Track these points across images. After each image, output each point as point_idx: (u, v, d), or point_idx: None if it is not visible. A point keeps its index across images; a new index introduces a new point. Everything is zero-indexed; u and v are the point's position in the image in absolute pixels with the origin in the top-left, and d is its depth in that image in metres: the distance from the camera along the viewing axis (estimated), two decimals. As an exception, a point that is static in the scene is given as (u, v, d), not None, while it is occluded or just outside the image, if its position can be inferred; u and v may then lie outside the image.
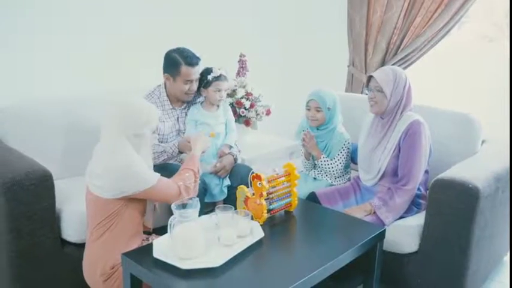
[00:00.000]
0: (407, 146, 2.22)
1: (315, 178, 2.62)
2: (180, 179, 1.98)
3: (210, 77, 2.52)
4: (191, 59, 2.46)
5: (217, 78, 2.52)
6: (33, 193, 2.00)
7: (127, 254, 1.74)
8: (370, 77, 2.30)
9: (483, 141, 2.60)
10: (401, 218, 2.26)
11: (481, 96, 3.32)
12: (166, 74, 2.51)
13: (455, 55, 3.38)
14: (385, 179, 2.32)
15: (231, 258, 1.70)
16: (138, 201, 1.89)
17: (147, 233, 2.04)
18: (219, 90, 2.52)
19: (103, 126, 1.87)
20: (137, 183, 1.81)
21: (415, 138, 2.21)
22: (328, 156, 2.52)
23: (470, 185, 2.00)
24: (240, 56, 3.11)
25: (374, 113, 2.35)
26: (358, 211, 2.24)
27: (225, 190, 2.53)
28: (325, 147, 2.54)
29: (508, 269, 2.61)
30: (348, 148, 2.53)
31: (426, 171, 2.32)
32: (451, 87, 3.44)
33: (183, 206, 1.72)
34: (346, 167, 2.59)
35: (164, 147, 2.47)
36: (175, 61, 2.45)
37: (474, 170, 2.17)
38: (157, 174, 1.89)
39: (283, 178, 2.10)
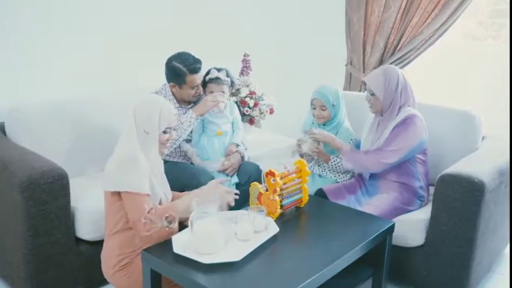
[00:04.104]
0: (397, 130, 2.33)
1: (320, 175, 2.67)
2: (160, 211, 1.85)
3: (206, 78, 2.56)
4: (194, 66, 2.47)
5: (212, 80, 2.54)
6: (49, 192, 2.03)
7: (147, 250, 1.78)
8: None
9: (483, 138, 2.68)
10: (407, 212, 2.34)
11: (471, 94, 3.41)
12: (171, 83, 2.52)
13: (442, 54, 3.45)
14: (384, 172, 2.39)
15: (249, 253, 1.73)
16: None
17: None
18: (212, 93, 2.54)
19: (124, 123, 1.90)
20: (130, 181, 1.79)
21: (406, 125, 2.31)
22: (333, 151, 2.57)
23: (476, 180, 2.07)
24: (244, 56, 3.15)
25: (373, 112, 2.48)
26: (328, 138, 2.45)
27: (233, 187, 2.56)
28: None
29: (508, 261, 2.70)
30: (354, 144, 2.60)
31: (424, 162, 2.40)
32: (441, 86, 3.52)
33: (203, 202, 1.76)
34: None
35: (180, 119, 2.47)
36: (179, 71, 2.46)
37: (478, 165, 2.24)
38: (149, 190, 1.85)
39: (294, 175, 2.15)
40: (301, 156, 2.62)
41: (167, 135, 1.97)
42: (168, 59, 2.50)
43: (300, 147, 2.56)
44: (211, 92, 2.55)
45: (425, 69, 3.51)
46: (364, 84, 2.44)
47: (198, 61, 2.50)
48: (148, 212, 1.81)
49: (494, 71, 3.35)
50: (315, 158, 2.63)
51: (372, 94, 2.38)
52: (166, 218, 1.81)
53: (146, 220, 1.79)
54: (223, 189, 2.04)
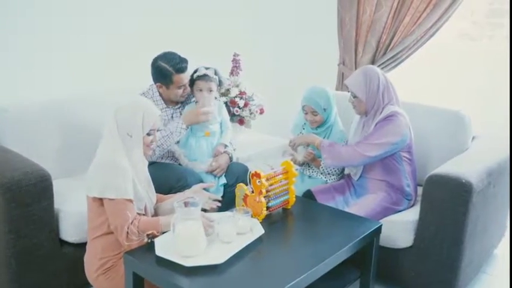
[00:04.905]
0: (379, 125, 2.32)
1: (309, 176, 2.65)
2: (143, 226, 1.81)
3: (194, 76, 2.53)
4: (181, 66, 2.45)
5: (200, 77, 2.51)
6: (32, 193, 2.00)
7: (129, 253, 1.75)
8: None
9: (473, 138, 2.66)
10: (396, 211, 2.33)
11: (466, 94, 3.40)
12: (158, 84, 2.50)
13: (438, 54, 3.44)
14: (371, 171, 2.39)
15: (233, 255, 1.72)
16: None
17: None
18: (200, 90, 2.52)
19: (105, 127, 1.88)
20: (112, 187, 1.78)
21: (388, 121, 2.30)
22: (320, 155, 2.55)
23: (464, 180, 2.05)
24: (234, 55, 3.13)
25: (357, 114, 2.48)
26: (303, 139, 2.53)
27: (221, 188, 2.54)
28: None
29: (499, 262, 2.68)
30: None
31: (411, 161, 2.38)
32: (436, 86, 3.51)
33: (185, 204, 1.74)
34: None
35: (169, 128, 2.45)
36: (166, 71, 2.44)
37: (467, 166, 2.23)
38: (132, 194, 1.83)
39: (280, 176, 2.13)
40: (299, 165, 2.63)
41: (151, 137, 1.95)
42: (153, 60, 2.48)
43: (295, 158, 2.57)
44: (200, 90, 2.52)
45: (421, 69, 3.50)
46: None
47: (184, 60, 2.47)
48: (132, 222, 1.79)
49: (490, 70, 3.33)
50: (310, 163, 2.63)
51: (355, 96, 2.38)
52: (148, 235, 1.79)
53: (128, 230, 1.78)
54: (207, 195, 2.04)
